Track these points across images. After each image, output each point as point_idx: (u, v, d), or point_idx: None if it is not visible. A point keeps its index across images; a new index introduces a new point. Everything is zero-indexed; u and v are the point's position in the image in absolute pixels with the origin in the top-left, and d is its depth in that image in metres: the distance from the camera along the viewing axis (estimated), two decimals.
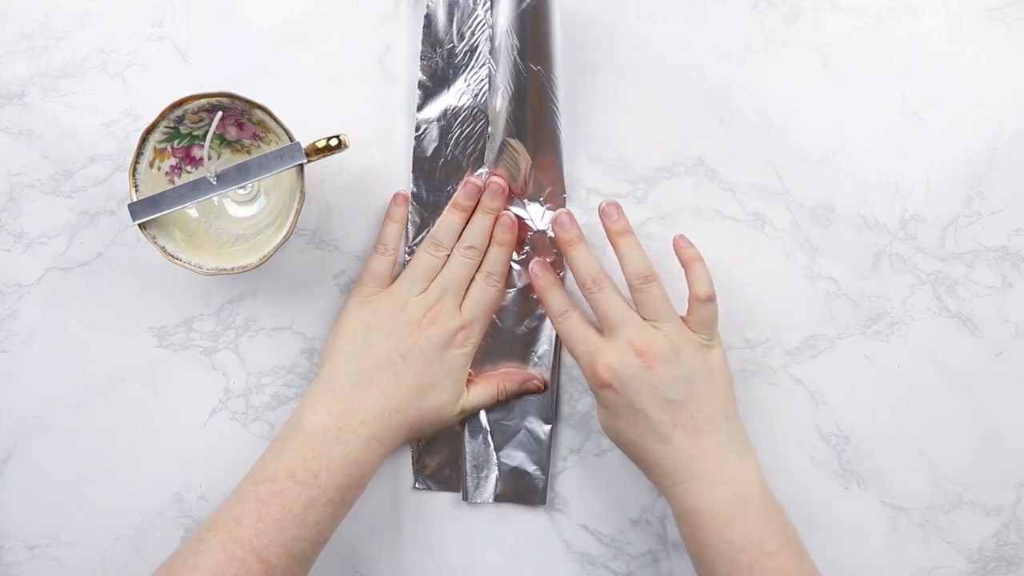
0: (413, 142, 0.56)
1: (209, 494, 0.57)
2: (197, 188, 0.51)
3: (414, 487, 0.56)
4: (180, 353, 0.57)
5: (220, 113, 0.50)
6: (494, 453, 0.55)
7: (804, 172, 0.56)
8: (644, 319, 0.49)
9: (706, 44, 0.56)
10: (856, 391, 0.55)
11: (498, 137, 0.55)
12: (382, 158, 0.57)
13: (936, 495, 0.55)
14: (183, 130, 0.52)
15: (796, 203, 0.56)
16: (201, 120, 0.52)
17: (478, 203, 0.55)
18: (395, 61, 0.57)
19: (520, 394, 0.55)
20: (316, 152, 0.50)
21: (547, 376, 0.56)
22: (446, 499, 0.57)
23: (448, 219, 0.54)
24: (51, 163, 0.57)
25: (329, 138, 0.50)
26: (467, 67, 0.56)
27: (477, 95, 0.56)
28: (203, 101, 0.50)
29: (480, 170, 0.56)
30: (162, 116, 0.50)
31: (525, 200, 0.56)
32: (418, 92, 0.56)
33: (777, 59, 0.56)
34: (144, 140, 0.51)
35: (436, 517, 0.57)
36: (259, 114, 0.51)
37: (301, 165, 0.51)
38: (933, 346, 0.55)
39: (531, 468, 0.55)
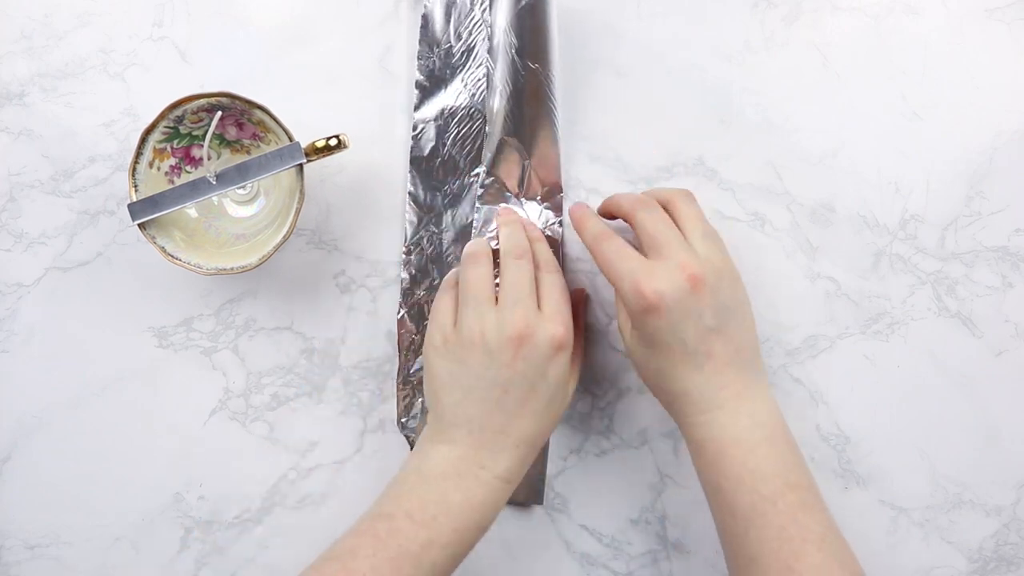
0: (411, 141, 0.56)
1: (209, 494, 0.57)
2: (197, 188, 0.51)
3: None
4: (180, 353, 0.57)
5: (220, 113, 0.51)
6: None
7: (804, 172, 0.56)
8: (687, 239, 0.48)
9: (706, 44, 0.56)
10: (856, 391, 0.55)
11: (496, 136, 0.55)
12: (382, 158, 0.57)
13: (936, 495, 0.55)
14: (183, 130, 0.52)
15: (796, 203, 0.56)
16: (201, 120, 0.52)
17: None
18: (395, 61, 0.57)
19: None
20: (316, 152, 0.50)
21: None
22: None
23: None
24: (51, 163, 0.57)
25: (329, 138, 0.50)
26: (464, 67, 0.56)
27: (474, 95, 0.56)
28: (203, 101, 0.50)
29: (477, 169, 0.56)
30: (162, 116, 0.50)
31: (522, 199, 0.56)
32: (415, 92, 0.56)
33: (777, 59, 0.56)
34: (144, 140, 0.51)
35: None
36: (259, 114, 0.51)
37: (301, 165, 0.51)
38: (933, 346, 0.55)
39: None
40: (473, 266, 0.49)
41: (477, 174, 0.56)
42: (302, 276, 0.57)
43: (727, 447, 0.45)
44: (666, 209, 0.49)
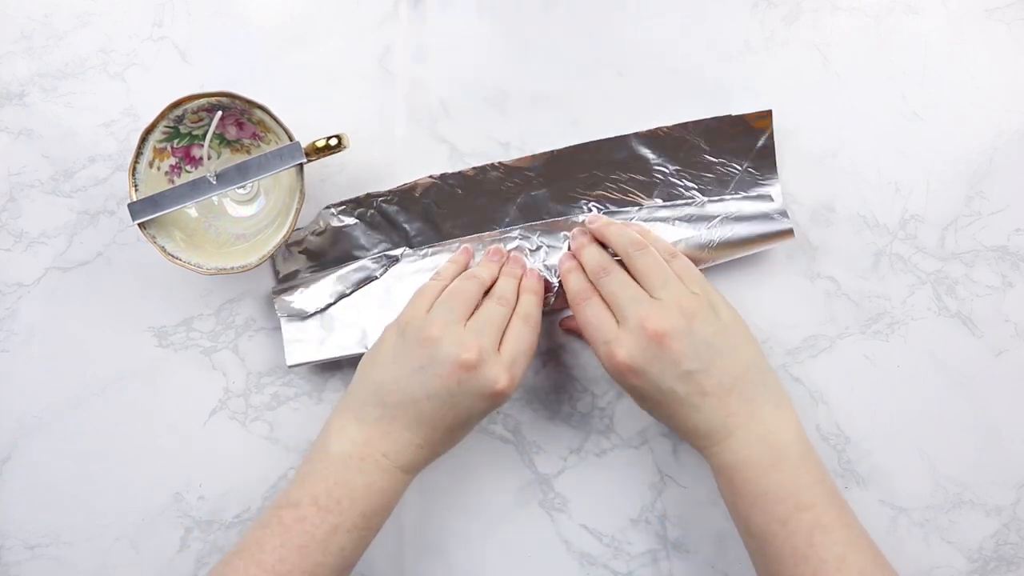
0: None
1: (209, 494, 0.57)
2: (197, 188, 0.51)
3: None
4: (180, 353, 0.57)
5: (220, 113, 0.51)
6: None
7: (804, 172, 0.56)
8: (650, 294, 0.48)
9: (706, 44, 0.56)
10: (856, 391, 0.55)
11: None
12: (382, 158, 0.57)
13: (936, 495, 0.55)
14: (183, 130, 0.52)
15: (796, 203, 0.56)
16: (201, 120, 0.52)
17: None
18: (395, 61, 0.57)
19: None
20: (316, 152, 0.50)
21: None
22: (447, 499, 0.57)
23: (463, 257, 0.55)
24: (51, 163, 0.57)
25: (329, 138, 0.50)
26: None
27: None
28: (203, 101, 0.50)
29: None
30: (162, 116, 0.50)
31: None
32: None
33: (777, 59, 0.56)
34: (144, 140, 0.51)
35: (436, 517, 0.57)
36: (259, 114, 0.51)
37: (301, 165, 0.51)
38: (933, 346, 0.55)
39: None
40: (468, 280, 0.51)
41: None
42: None
43: (740, 472, 0.46)
44: (625, 264, 0.50)
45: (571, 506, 0.56)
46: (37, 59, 0.57)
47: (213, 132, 0.51)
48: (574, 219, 0.55)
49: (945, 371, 0.55)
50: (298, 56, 0.57)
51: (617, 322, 0.48)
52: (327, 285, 0.55)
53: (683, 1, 0.57)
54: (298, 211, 0.51)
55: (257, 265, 0.51)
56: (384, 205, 0.56)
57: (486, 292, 0.52)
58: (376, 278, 0.56)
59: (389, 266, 0.56)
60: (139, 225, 0.51)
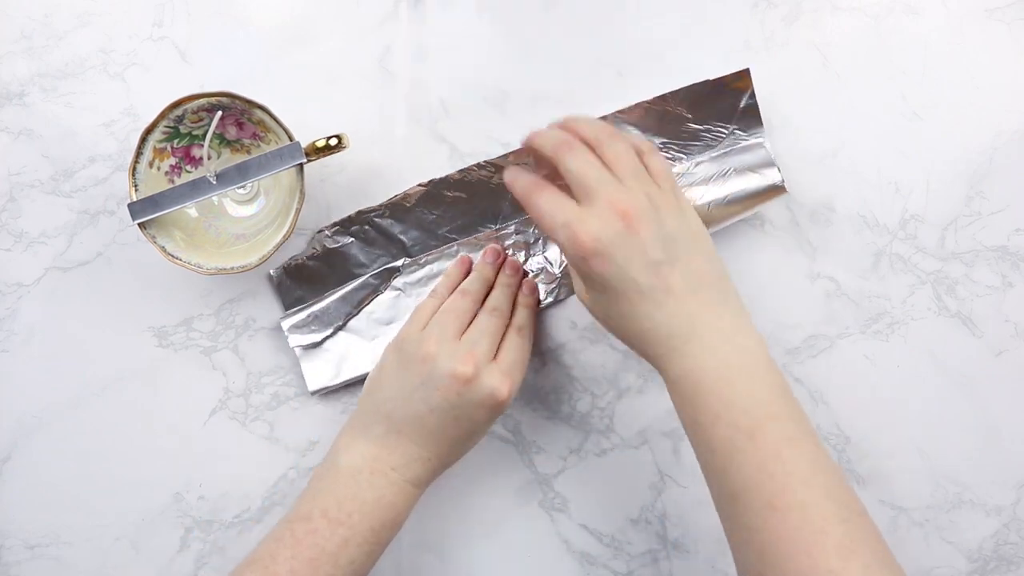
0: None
1: (209, 494, 0.57)
2: (197, 188, 0.51)
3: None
4: (180, 353, 0.57)
5: (220, 113, 0.51)
6: None
7: (804, 172, 0.56)
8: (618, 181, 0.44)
9: (706, 44, 0.56)
10: (856, 391, 0.55)
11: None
12: (382, 158, 0.57)
13: (936, 495, 0.55)
14: (183, 130, 0.52)
15: (796, 203, 0.56)
16: (201, 120, 0.52)
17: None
18: (395, 61, 0.57)
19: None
20: (316, 152, 0.50)
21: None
22: (446, 499, 0.57)
23: (459, 269, 0.55)
24: (51, 163, 0.57)
25: (329, 138, 0.50)
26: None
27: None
28: (203, 101, 0.50)
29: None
30: (162, 116, 0.50)
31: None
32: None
33: (777, 59, 0.56)
34: (144, 140, 0.51)
35: (436, 517, 0.57)
36: (259, 114, 0.51)
37: (301, 165, 0.51)
38: (933, 346, 0.55)
39: None
40: (462, 297, 0.52)
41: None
42: None
43: (702, 380, 0.42)
44: (593, 150, 0.45)
45: (571, 506, 0.56)
46: (37, 59, 0.57)
47: (213, 132, 0.51)
48: None
49: (945, 371, 0.55)
50: (298, 56, 0.57)
51: (579, 204, 0.44)
52: (333, 307, 0.56)
53: (683, 1, 0.57)
54: (298, 211, 0.51)
55: (257, 265, 0.51)
56: (377, 220, 0.56)
57: (485, 297, 0.52)
58: (380, 292, 0.56)
59: (391, 279, 0.56)
60: (139, 225, 0.51)
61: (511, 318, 0.52)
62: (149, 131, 0.50)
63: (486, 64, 0.57)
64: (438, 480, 0.56)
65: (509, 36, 0.57)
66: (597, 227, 0.42)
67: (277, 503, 0.57)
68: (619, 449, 0.56)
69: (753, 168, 0.54)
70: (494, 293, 0.53)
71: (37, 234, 0.57)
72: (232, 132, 0.54)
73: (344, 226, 0.56)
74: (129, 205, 0.50)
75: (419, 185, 0.55)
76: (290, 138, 0.51)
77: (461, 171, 0.55)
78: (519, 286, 0.54)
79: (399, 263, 0.56)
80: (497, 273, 0.54)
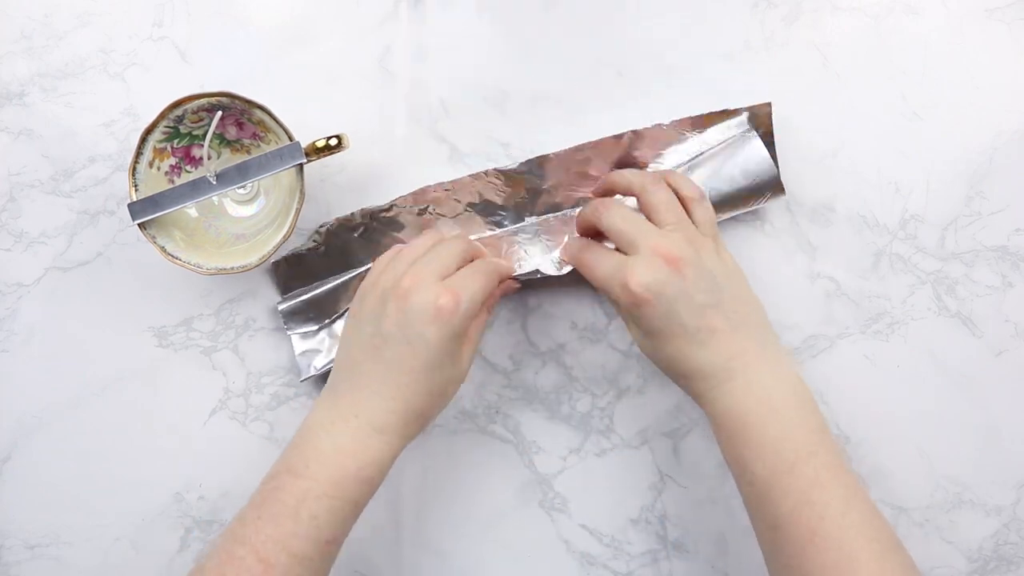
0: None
1: (209, 494, 0.57)
2: (197, 188, 0.51)
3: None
4: (180, 353, 0.57)
5: (220, 113, 0.51)
6: None
7: (804, 172, 0.56)
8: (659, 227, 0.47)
9: (706, 44, 0.56)
10: (856, 391, 0.55)
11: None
12: (382, 158, 0.57)
13: (936, 495, 0.55)
14: (183, 130, 0.52)
15: (796, 203, 0.56)
16: (201, 120, 0.52)
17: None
18: (395, 61, 0.57)
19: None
20: (316, 152, 0.50)
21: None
22: (446, 499, 0.57)
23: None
24: (51, 163, 0.57)
25: (329, 138, 0.50)
26: None
27: None
28: (203, 101, 0.50)
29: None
30: (162, 116, 0.50)
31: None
32: None
33: (777, 59, 0.56)
34: (144, 140, 0.51)
35: (436, 517, 0.57)
36: (259, 114, 0.51)
37: (301, 165, 0.51)
38: (933, 346, 0.55)
39: None
40: (423, 238, 0.50)
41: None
42: None
43: (745, 417, 0.44)
44: (638, 198, 0.49)
45: (571, 506, 0.56)
46: (37, 59, 0.57)
47: (213, 132, 0.51)
48: (572, 214, 0.55)
49: (945, 371, 0.55)
50: (298, 56, 0.57)
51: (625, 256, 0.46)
52: (330, 296, 0.55)
53: (683, 1, 0.57)
54: (298, 211, 0.51)
55: (257, 265, 0.51)
56: (383, 215, 0.56)
57: None
58: None
59: None
60: (139, 225, 0.51)
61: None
62: (149, 131, 0.50)
63: (486, 64, 0.57)
64: (439, 480, 0.56)
65: (509, 36, 0.57)
66: (644, 274, 0.44)
67: None
68: (619, 449, 0.56)
69: (752, 165, 0.54)
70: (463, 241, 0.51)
71: (37, 234, 0.57)
72: (232, 132, 0.54)
73: (346, 221, 0.56)
74: (129, 205, 0.50)
75: (425, 187, 0.55)
76: (290, 138, 0.51)
77: (472, 176, 0.56)
78: (495, 275, 0.51)
79: None
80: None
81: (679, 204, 0.48)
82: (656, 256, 0.45)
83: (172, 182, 0.53)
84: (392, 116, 0.57)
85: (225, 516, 0.57)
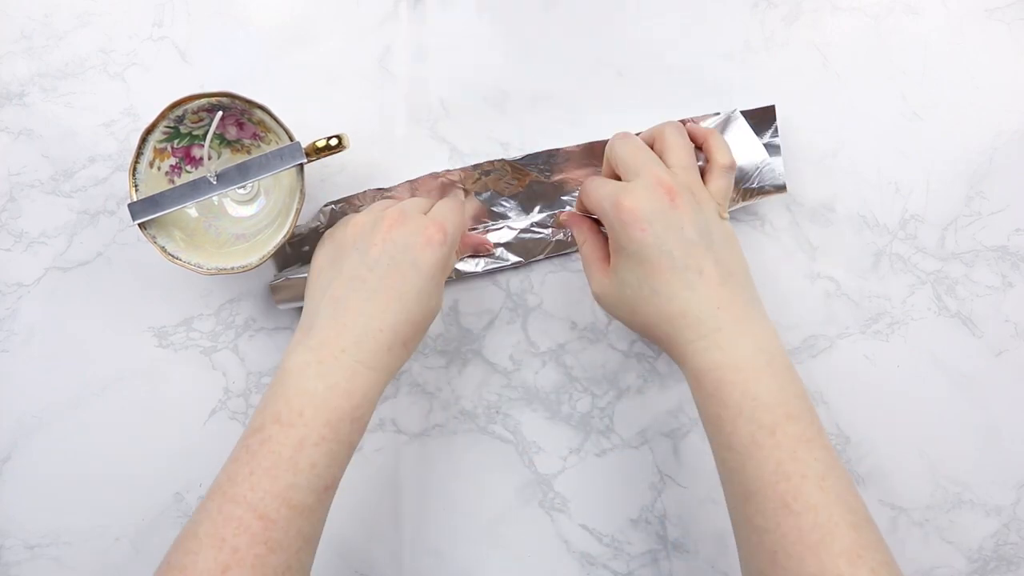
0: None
1: None
2: (197, 188, 0.51)
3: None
4: (180, 353, 0.57)
5: (220, 113, 0.50)
6: None
7: (804, 172, 0.56)
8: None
9: (706, 44, 0.56)
10: (856, 391, 0.55)
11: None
12: (382, 158, 0.57)
13: (936, 495, 0.55)
14: (183, 130, 0.52)
15: (796, 203, 0.56)
16: (201, 120, 0.52)
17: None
18: (395, 61, 0.57)
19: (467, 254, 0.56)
20: (316, 152, 0.50)
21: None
22: (446, 499, 0.57)
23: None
24: (51, 163, 0.57)
25: (329, 138, 0.50)
26: None
27: None
28: (203, 101, 0.50)
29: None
30: (162, 116, 0.50)
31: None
32: None
33: (777, 59, 0.56)
34: (144, 140, 0.51)
35: (436, 517, 0.57)
36: (259, 114, 0.51)
37: (301, 165, 0.51)
38: (933, 346, 0.55)
39: None
40: (399, 195, 0.53)
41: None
42: None
43: (728, 373, 0.43)
44: (652, 145, 0.49)
45: (571, 506, 0.56)
46: (37, 59, 0.57)
47: (213, 132, 0.51)
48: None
49: (945, 371, 0.55)
50: (298, 56, 0.57)
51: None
52: None
53: (683, 1, 0.57)
54: (298, 211, 0.51)
55: (257, 265, 0.51)
56: (388, 196, 0.56)
57: None
58: None
59: None
60: (139, 225, 0.51)
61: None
62: (149, 131, 0.50)
63: (486, 64, 0.57)
64: (439, 480, 0.56)
65: (509, 36, 0.57)
66: (640, 196, 0.45)
67: None
68: (619, 449, 0.56)
69: (741, 147, 0.54)
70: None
71: (37, 234, 0.57)
72: (232, 132, 0.54)
73: (353, 202, 0.56)
74: (129, 205, 0.50)
75: (431, 174, 0.56)
76: (290, 138, 0.51)
77: (476, 167, 0.56)
78: (467, 212, 0.55)
79: None
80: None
81: (693, 155, 0.48)
82: (656, 184, 0.45)
83: (172, 182, 0.53)
84: (392, 116, 0.57)
85: None
